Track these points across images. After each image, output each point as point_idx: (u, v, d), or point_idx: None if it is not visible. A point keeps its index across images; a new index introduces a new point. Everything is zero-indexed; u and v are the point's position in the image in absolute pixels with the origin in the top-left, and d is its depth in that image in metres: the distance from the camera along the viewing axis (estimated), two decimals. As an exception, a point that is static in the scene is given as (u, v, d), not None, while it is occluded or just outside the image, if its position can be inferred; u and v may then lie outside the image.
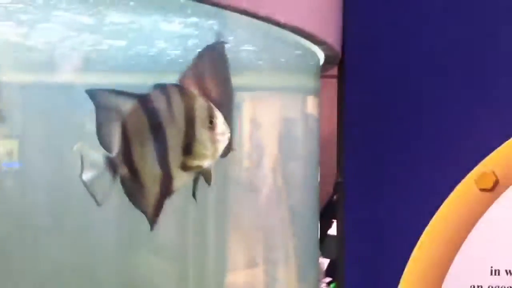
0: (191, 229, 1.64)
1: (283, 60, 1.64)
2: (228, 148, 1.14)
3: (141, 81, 1.68)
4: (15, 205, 1.40)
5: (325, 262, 3.37)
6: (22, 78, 1.40)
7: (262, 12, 1.31)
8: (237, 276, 1.71)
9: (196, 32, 1.42)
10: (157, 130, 1.04)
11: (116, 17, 1.37)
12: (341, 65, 1.83)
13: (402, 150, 1.79)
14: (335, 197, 3.56)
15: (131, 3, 1.30)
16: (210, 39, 1.29)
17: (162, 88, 1.07)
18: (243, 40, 1.50)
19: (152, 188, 1.06)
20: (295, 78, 1.75)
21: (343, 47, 1.76)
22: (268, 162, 1.69)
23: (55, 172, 1.40)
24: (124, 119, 1.03)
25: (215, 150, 1.11)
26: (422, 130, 1.79)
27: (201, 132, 1.08)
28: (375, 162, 1.81)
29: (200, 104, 1.08)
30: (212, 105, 1.09)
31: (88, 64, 1.41)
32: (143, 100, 1.05)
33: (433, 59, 1.77)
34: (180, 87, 1.09)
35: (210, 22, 1.38)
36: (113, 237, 1.52)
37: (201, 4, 1.17)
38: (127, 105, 1.04)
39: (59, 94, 1.44)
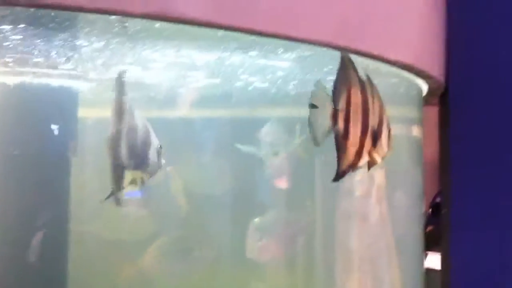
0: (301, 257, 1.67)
1: (389, 92, 1.65)
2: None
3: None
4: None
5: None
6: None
7: (375, 52, 1.33)
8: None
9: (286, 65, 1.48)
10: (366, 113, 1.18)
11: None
12: (444, 95, 1.83)
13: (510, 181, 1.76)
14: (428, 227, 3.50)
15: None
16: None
17: None
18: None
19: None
20: (400, 109, 1.76)
21: (446, 79, 1.76)
22: (375, 192, 1.70)
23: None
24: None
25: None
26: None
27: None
28: (483, 194, 1.78)
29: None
30: None
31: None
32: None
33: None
34: None
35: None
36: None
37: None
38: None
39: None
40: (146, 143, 1.31)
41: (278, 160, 1.72)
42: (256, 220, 1.68)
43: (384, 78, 1.55)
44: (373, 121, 1.18)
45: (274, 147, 1.71)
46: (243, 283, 1.68)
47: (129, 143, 1.28)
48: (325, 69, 1.47)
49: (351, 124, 1.14)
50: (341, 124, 1.13)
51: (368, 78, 1.17)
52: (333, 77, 1.53)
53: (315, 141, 1.15)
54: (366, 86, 1.16)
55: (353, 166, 1.20)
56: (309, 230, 1.68)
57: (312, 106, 1.13)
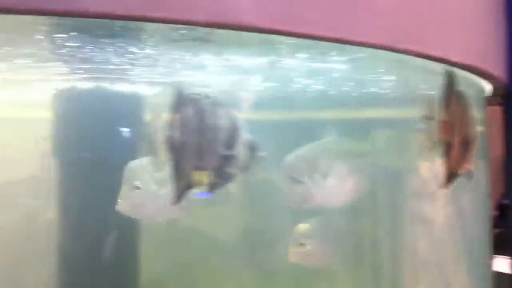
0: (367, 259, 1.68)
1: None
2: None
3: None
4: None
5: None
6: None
7: (436, 54, 1.33)
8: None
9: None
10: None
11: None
12: (507, 95, 1.80)
13: None
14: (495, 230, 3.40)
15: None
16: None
17: None
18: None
19: None
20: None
21: (509, 78, 1.73)
22: (441, 193, 1.69)
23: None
24: None
25: None
26: None
27: None
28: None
29: None
30: None
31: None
32: None
33: None
34: None
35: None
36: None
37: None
38: None
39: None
40: (230, 141, 1.33)
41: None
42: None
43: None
44: (469, 132, 1.22)
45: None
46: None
47: (201, 142, 1.30)
48: (380, 70, 1.49)
49: (455, 134, 1.18)
50: (446, 134, 1.17)
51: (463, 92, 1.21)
52: (387, 77, 1.54)
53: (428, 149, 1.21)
54: (464, 99, 1.20)
55: (455, 174, 1.24)
56: (373, 234, 1.68)
57: (427, 117, 1.17)
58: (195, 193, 1.60)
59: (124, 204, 1.50)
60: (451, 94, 1.21)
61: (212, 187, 1.34)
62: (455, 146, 1.21)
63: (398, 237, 1.67)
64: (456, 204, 1.74)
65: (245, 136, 1.34)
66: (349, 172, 1.61)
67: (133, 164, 1.54)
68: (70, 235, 1.67)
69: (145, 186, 1.52)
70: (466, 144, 1.22)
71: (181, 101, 1.32)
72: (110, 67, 1.48)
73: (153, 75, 1.59)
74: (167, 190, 1.36)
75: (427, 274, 1.69)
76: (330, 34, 1.16)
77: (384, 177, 1.69)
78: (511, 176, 1.80)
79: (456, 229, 1.73)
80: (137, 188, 1.51)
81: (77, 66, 1.50)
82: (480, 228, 1.82)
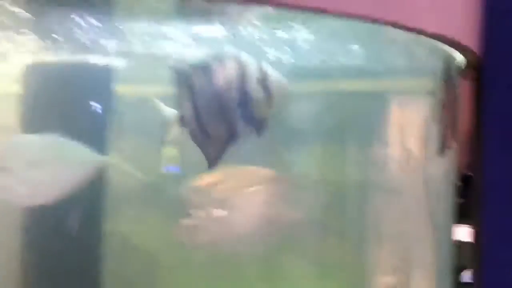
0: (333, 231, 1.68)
1: (425, 65, 1.65)
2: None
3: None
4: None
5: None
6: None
7: (411, 24, 1.33)
8: (377, 281, 1.73)
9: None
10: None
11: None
12: (477, 68, 1.81)
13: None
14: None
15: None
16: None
17: None
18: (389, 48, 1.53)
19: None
20: (435, 82, 1.75)
21: (483, 51, 1.74)
22: (411, 165, 1.70)
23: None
24: None
25: None
26: None
27: None
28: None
29: None
30: None
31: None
32: None
33: None
34: None
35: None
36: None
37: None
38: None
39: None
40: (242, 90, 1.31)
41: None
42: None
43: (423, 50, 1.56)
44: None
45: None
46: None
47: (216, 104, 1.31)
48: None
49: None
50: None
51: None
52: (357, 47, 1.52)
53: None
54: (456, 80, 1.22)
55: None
56: (339, 200, 1.69)
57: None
58: (165, 167, 1.59)
59: None
60: (448, 78, 1.25)
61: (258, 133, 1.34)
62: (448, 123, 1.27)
63: (364, 206, 1.68)
64: (424, 175, 1.76)
65: (256, 79, 1.32)
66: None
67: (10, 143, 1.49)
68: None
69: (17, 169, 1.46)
70: (454, 122, 1.28)
71: (183, 75, 1.31)
72: (81, 39, 1.45)
73: (123, 47, 1.56)
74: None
75: (390, 243, 1.71)
76: (307, 3, 1.15)
77: (351, 152, 1.70)
78: (477, 149, 1.82)
79: (422, 199, 1.75)
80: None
81: (47, 40, 1.47)
82: (446, 199, 1.84)
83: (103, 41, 1.51)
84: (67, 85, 1.60)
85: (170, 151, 1.57)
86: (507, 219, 1.80)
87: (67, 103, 1.61)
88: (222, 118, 1.31)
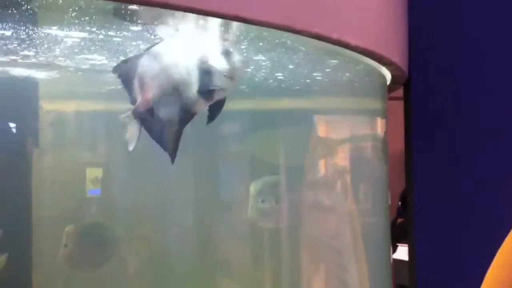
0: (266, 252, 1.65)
1: (353, 82, 1.65)
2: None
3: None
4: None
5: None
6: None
7: (334, 35, 1.32)
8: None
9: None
10: None
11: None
12: (407, 86, 1.83)
13: (473, 168, 1.76)
14: (398, 220, 3.52)
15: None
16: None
17: None
18: (314, 65, 1.52)
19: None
20: (364, 100, 1.75)
21: (409, 67, 1.76)
22: (340, 184, 1.69)
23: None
24: None
25: None
26: (492, 148, 1.75)
27: None
28: (446, 182, 1.78)
29: None
30: None
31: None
32: None
33: (504, 76, 1.74)
34: None
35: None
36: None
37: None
38: None
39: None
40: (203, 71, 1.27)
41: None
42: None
43: (349, 65, 1.55)
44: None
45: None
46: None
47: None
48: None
49: None
50: None
51: None
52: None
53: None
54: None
55: None
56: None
57: None
58: (89, 190, 1.55)
59: None
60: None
61: (211, 118, 1.30)
62: None
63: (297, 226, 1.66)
64: (355, 194, 1.76)
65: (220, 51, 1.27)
66: None
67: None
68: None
69: None
70: None
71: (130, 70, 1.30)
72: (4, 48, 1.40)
73: (48, 58, 1.51)
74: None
75: (325, 261, 1.70)
76: (224, 10, 1.13)
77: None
78: (410, 170, 1.83)
79: (354, 218, 1.74)
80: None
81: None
82: (379, 217, 1.83)
83: (25, 52, 1.46)
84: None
85: (93, 173, 1.54)
86: (437, 237, 1.81)
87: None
88: (174, 99, 1.27)
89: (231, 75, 1.26)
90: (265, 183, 1.65)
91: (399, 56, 1.66)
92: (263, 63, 1.52)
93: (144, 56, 1.30)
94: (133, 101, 1.32)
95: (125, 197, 1.58)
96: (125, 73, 1.33)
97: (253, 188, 1.63)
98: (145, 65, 1.29)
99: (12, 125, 1.58)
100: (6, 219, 1.51)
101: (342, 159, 1.74)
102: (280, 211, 1.65)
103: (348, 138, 1.72)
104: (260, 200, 1.61)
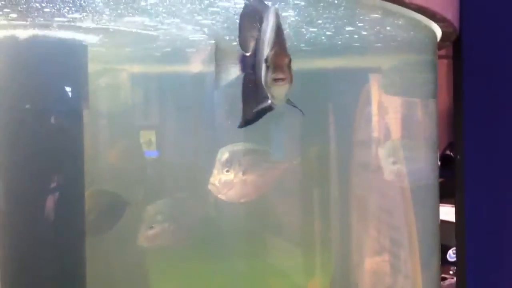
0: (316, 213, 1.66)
1: (403, 39, 1.63)
2: None
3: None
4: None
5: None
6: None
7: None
8: (363, 260, 1.71)
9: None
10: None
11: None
12: (456, 44, 1.80)
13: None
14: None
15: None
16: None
17: None
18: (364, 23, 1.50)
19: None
20: (415, 54, 1.73)
21: (460, 24, 1.73)
22: (391, 143, 1.68)
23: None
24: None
25: None
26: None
27: None
28: (497, 140, 1.76)
29: None
30: None
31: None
32: None
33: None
34: None
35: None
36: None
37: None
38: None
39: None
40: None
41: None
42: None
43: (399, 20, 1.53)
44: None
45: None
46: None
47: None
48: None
49: None
50: None
51: None
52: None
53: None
54: None
55: None
56: (323, 179, 1.66)
57: None
58: (146, 152, 1.56)
59: None
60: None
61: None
62: None
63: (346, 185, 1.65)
64: (405, 153, 1.74)
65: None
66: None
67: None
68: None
69: None
70: None
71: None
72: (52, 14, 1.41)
73: (96, 22, 1.52)
74: None
75: (375, 220, 1.70)
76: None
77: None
78: (460, 128, 1.80)
79: (404, 177, 1.73)
80: None
81: (16, 15, 1.42)
82: (427, 176, 1.82)
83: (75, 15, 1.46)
84: (39, 61, 1.55)
85: (147, 135, 1.55)
86: (488, 197, 1.79)
87: (39, 80, 1.56)
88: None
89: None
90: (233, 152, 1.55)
91: (451, 12, 1.63)
92: (319, 21, 1.50)
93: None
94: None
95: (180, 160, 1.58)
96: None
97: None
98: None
99: (62, 87, 1.59)
100: (59, 182, 1.54)
101: (393, 118, 1.73)
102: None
103: (400, 97, 1.71)
104: (225, 170, 1.51)
